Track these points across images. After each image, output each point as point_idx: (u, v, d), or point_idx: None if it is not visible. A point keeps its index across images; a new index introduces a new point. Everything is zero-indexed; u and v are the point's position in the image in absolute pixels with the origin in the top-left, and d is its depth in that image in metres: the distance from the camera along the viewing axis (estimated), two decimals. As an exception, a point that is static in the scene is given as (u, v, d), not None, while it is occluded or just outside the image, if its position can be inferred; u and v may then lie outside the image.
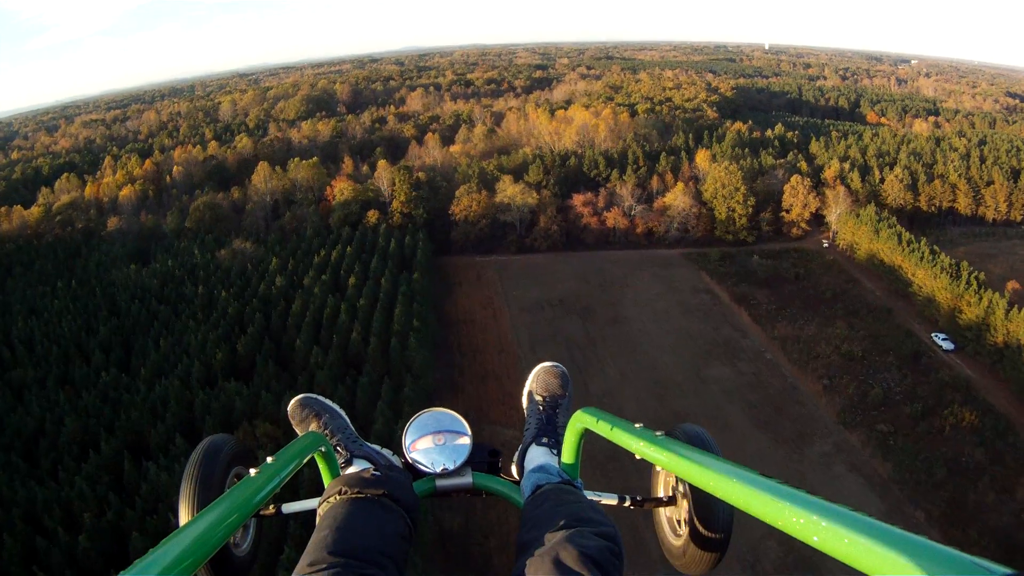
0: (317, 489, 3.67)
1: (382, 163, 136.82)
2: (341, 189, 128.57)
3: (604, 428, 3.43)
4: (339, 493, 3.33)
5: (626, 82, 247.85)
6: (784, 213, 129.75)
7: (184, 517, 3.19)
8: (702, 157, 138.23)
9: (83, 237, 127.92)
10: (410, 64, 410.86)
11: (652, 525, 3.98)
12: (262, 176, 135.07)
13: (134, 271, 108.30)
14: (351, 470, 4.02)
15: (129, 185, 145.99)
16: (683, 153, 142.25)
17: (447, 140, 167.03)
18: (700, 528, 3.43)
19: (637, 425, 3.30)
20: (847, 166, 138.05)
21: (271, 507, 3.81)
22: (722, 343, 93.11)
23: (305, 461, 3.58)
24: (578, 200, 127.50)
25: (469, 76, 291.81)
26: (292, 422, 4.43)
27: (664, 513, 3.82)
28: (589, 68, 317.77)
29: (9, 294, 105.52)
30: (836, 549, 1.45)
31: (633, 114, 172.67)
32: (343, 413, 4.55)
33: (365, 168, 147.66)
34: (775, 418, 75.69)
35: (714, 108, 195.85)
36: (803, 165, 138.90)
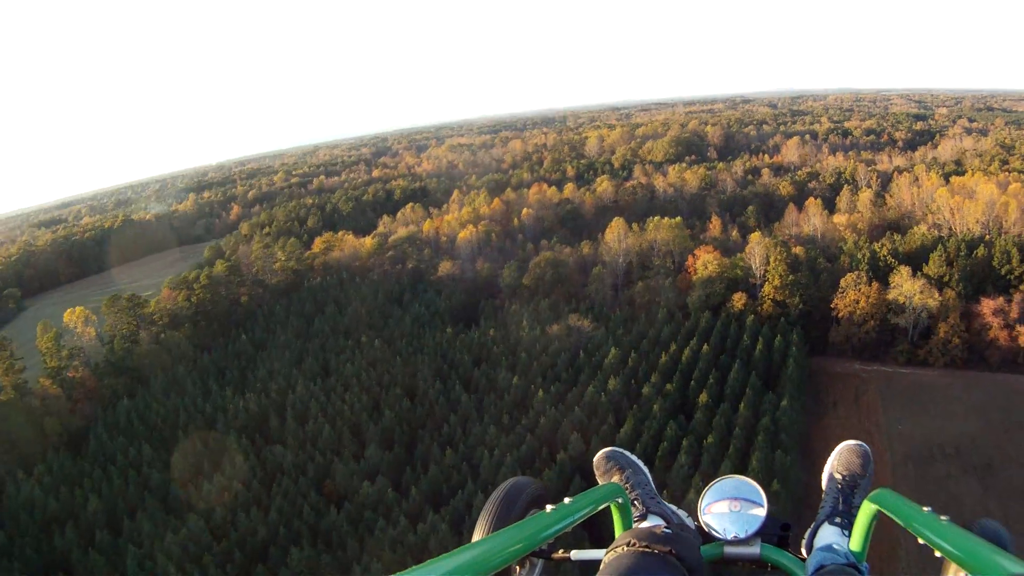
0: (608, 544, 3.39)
1: (755, 236, 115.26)
2: (705, 262, 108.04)
3: (899, 513, 3.24)
4: (627, 544, 3.16)
5: (1018, 141, 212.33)
6: None
7: (476, 539, 3.14)
8: None
9: (411, 279, 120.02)
10: (783, 107, 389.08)
11: None
12: (616, 233, 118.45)
13: (449, 337, 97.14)
14: (644, 524, 3.95)
15: (472, 225, 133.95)
16: None
17: (827, 202, 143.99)
18: None
19: (926, 509, 3.11)
20: None
21: (561, 551, 3.71)
22: None
23: (600, 508, 3.61)
24: (987, 307, 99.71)
25: (846, 124, 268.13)
26: (596, 473, 4.38)
27: None
28: (971, 121, 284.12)
29: (312, 339, 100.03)
30: None
31: None
32: (646, 470, 4.42)
33: (735, 233, 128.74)
34: None
35: None
36: None
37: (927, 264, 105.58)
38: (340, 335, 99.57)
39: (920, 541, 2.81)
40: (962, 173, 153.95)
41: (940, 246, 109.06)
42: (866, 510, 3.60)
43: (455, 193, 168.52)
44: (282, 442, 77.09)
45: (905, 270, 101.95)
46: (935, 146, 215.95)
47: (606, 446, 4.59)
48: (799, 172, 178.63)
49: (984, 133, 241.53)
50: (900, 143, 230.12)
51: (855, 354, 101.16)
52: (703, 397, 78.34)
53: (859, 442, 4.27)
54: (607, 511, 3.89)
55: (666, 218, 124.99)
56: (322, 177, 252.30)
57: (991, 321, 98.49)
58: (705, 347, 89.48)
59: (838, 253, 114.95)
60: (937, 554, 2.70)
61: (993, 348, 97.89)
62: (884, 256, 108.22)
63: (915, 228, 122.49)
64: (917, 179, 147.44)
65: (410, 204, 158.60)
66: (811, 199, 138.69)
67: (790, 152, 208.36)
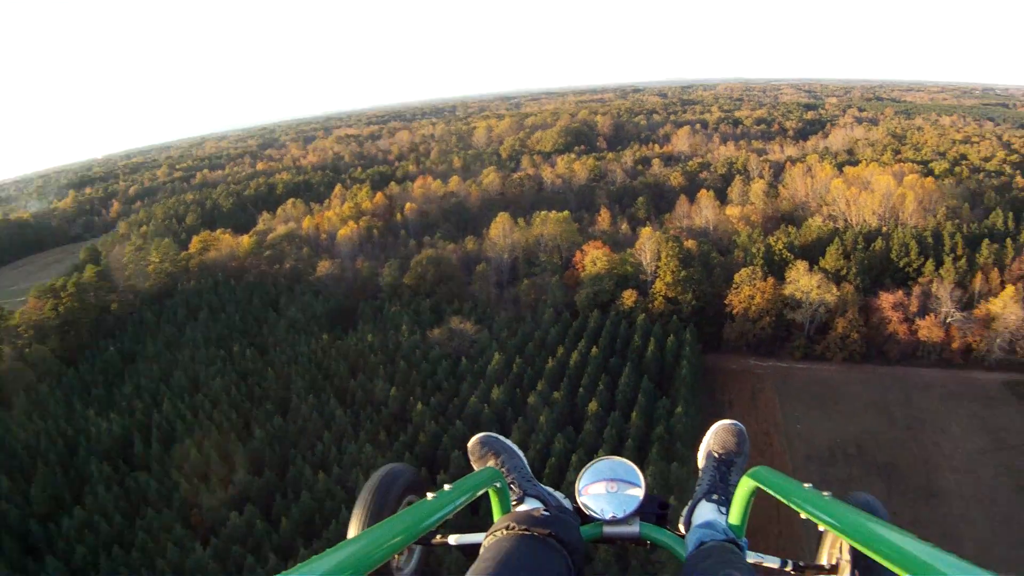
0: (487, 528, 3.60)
1: (646, 231, 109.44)
2: (594, 258, 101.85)
3: (775, 488, 3.37)
4: (507, 528, 3.28)
5: (908, 131, 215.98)
6: None
7: (353, 534, 3.13)
8: None
9: (288, 280, 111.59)
10: (673, 96, 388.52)
11: None
12: (501, 228, 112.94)
13: (326, 344, 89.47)
14: (522, 508, 3.96)
15: (352, 221, 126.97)
16: (1008, 241, 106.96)
17: (719, 193, 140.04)
18: None
19: (806, 486, 3.19)
20: None
21: (439, 536, 3.72)
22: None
23: (479, 494, 3.62)
24: (886, 300, 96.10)
25: (737, 114, 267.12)
26: (471, 458, 4.45)
27: None
28: (861, 110, 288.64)
29: (182, 349, 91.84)
30: None
31: (927, 174, 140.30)
32: (520, 454, 4.52)
33: (624, 226, 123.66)
34: None
35: (1016, 170, 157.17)
36: None
37: (824, 257, 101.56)
38: (212, 344, 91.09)
39: (803, 516, 2.89)
40: (856, 163, 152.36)
41: (837, 239, 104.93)
42: (744, 487, 3.67)
43: (337, 187, 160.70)
44: (147, 468, 68.68)
45: (802, 264, 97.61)
46: (826, 135, 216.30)
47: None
48: (690, 162, 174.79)
49: (875, 123, 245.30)
50: (791, 132, 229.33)
51: (750, 351, 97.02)
52: (593, 406, 72.35)
53: (734, 421, 4.39)
54: (485, 496, 3.83)
55: (553, 212, 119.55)
56: (206, 171, 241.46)
57: (890, 315, 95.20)
58: (594, 349, 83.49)
59: (731, 246, 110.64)
60: (821, 528, 2.87)
61: (892, 342, 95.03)
62: (779, 250, 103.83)
63: (810, 220, 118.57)
64: (810, 169, 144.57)
65: (291, 200, 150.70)
66: (703, 191, 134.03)
67: (681, 142, 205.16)
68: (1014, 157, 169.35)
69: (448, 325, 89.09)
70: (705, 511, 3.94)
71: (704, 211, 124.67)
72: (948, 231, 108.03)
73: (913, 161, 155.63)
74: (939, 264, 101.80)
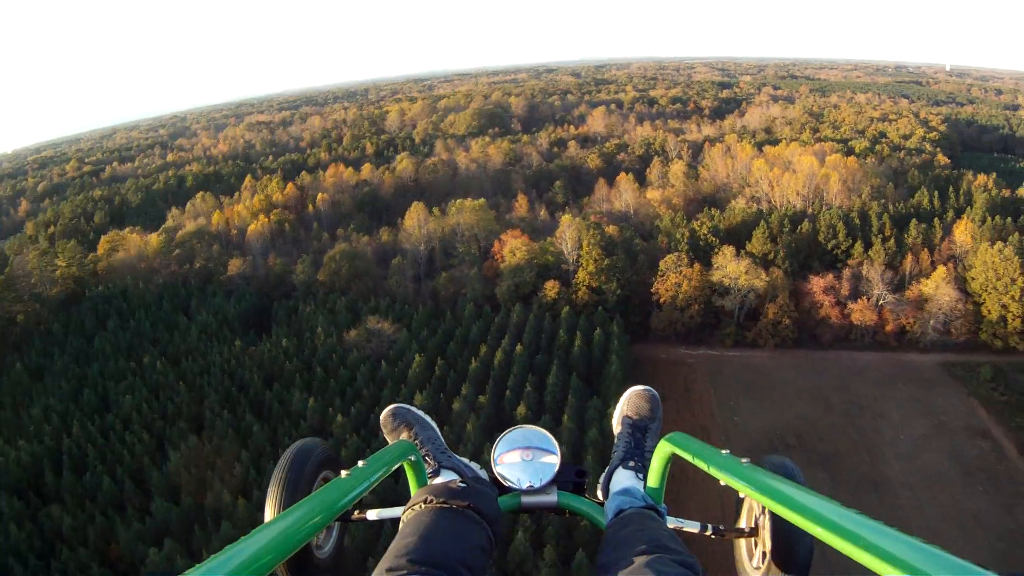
0: (406, 500, 3.61)
1: (566, 218, 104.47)
2: (513, 248, 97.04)
3: (691, 454, 3.45)
4: (424, 502, 3.30)
5: (826, 109, 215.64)
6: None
7: (269, 516, 3.22)
8: (962, 231, 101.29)
9: (200, 280, 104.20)
10: (587, 76, 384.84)
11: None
12: (416, 219, 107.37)
13: (239, 352, 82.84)
14: (438, 480, 4.00)
15: (263, 215, 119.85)
16: (936, 221, 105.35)
17: (638, 175, 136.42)
18: (780, 560, 3.28)
19: (724, 452, 3.29)
20: None
21: (356, 512, 3.80)
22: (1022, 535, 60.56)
23: (394, 468, 3.63)
24: (817, 284, 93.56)
25: (652, 93, 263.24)
26: (384, 431, 4.43)
27: (744, 544, 3.67)
28: (776, 88, 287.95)
29: (92, 363, 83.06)
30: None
31: (848, 153, 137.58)
32: (434, 425, 4.52)
33: (543, 212, 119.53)
34: None
35: (936, 148, 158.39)
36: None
37: (750, 242, 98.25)
38: (122, 356, 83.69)
39: (721, 482, 3.02)
40: (775, 142, 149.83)
41: (763, 222, 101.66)
42: (660, 453, 3.74)
43: (248, 179, 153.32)
44: (60, 501, 61.54)
45: (728, 250, 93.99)
46: (742, 114, 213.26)
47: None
48: (607, 144, 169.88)
49: (790, 100, 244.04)
50: (707, 111, 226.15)
51: (680, 339, 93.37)
52: (521, 409, 67.84)
53: (646, 387, 4.43)
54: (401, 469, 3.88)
55: (469, 200, 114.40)
56: (115, 164, 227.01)
57: (822, 299, 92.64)
58: (519, 347, 78.96)
59: (655, 232, 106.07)
60: (741, 495, 3.15)
61: (824, 327, 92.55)
62: (704, 235, 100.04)
63: (733, 203, 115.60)
64: (730, 149, 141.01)
65: (201, 193, 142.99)
66: (622, 174, 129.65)
67: (596, 123, 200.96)
68: (933, 135, 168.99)
69: (365, 325, 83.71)
70: (623, 478, 3.94)
71: (624, 195, 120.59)
72: (875, 212, 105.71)
73: (833, 140, 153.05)
74: (868, 245, 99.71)
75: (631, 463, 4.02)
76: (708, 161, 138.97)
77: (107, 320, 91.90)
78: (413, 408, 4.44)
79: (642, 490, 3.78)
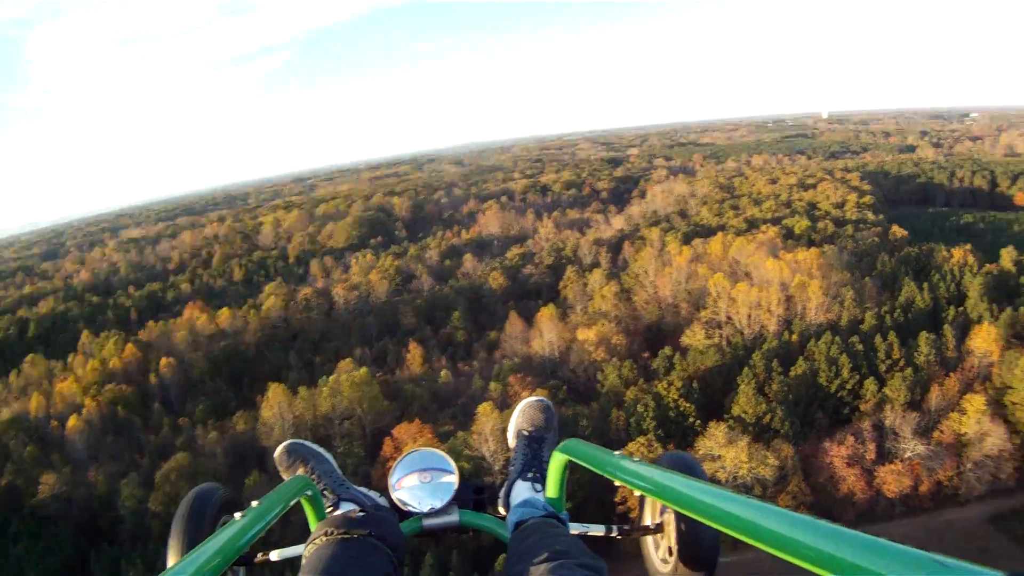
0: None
1: (483, 408, 68.91)
2: (412, 437, 66.56)
3: (587, 460, 3.39)
4: (325, 534, 3.18)
5: (734, 179, 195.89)
6: None
7: (171, 564, 3.03)
8: (983, 338, 76.38)
9: (6, 507, 69.30)
10: (471, 163, 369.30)
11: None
12: (277, 406, 77.17)
13: None
14: (338, 512, 3.87)
15: (90, 399, 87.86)
16: (947, 328, 79.86)
17: (551, 292, 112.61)
18: (687, 555, 3.27)
19: (618, 453, 3.24)
20: None
21: (260, 555, 3.62)
22: None
23: (292, 505, 3.49)
24: (837, 454, 65.48)
25: (542, 179, 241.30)
26: (279, 468, 4.25)
27: (651, 542, 3.65)
28: (668, 159, 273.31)
29: None
30: (808, 556, 1.48)
31: (787, 236, 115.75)
32: (330, 457, 4.36)
33: (444, 372, 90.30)
34: None
35: (879, 215, 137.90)
36: None
37: (737, 401, 69.09)
38: None
39: (617, 483, 2.96)
40: (707, 232, 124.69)
41: (746, 372, 73.22)
42: (557, 461, 3.70)
43: (84, 335, 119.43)
44: None
45: (720, 429, 63.69)
46: (643, 195, 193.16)
47: None
48: (508, 254, 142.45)
49: (690, 172, 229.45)
50: (605, 193, 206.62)
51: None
52: None
53: (540, 397, 4.38)
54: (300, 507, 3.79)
55: (346, 371, 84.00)
56: None
57: (844, 473, 65.08)
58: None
59: (597, 390, 77.22)
60: (637, 493, 2.95)
61: (846, 505, 65.24)
62: (674, 400, 69.54)
63: (690, 335, 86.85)
64: (661, 252, 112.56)
65: (31, 356, 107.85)
66: (543, 310, 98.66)
67: (490, 221, 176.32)
68: (867, 199, 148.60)
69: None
70: (521, 490, 3.89)
71: (546, 334, 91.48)
72: (868, 324, 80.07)
73: (767, 221, 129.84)
74: (880, 379, 72.73)
75: (529, 474, 3.93)
76: (636, 269, 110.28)
77: None
78: (308, 443, 4.22)
79: (542, 500, 3.70)
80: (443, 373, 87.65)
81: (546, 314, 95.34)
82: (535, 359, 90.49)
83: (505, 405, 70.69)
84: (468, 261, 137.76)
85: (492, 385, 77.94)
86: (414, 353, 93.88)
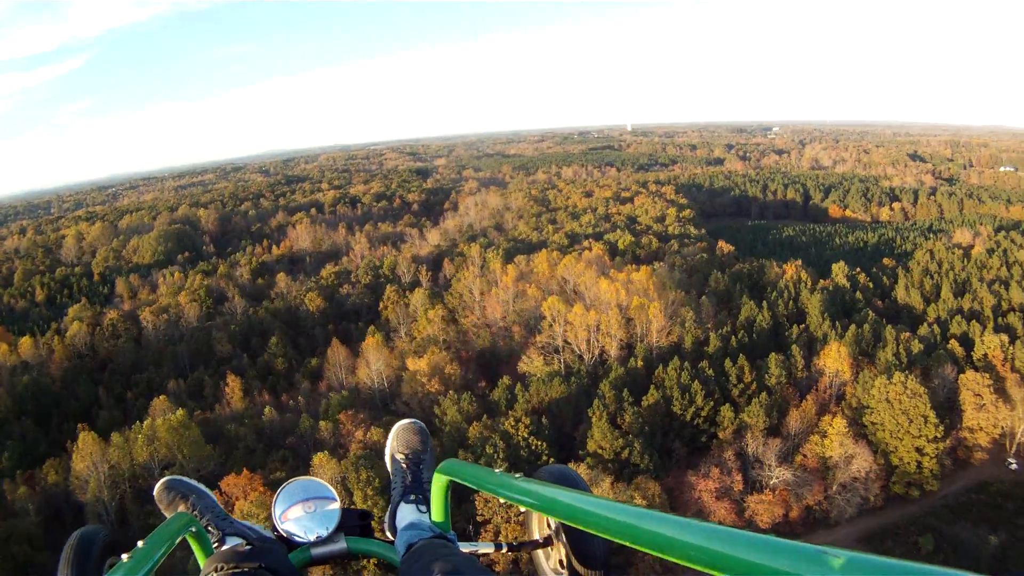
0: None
1: (319, 458, 61.76)
2: (241, 510, 56.44)
3: (469, 479, 3.42)
4: (216, 570, 3.20)
5: (548, 192, 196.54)
6: (967, 434, 75.35)
7: None
8: (833, 357, 75.95)
9: None
10: (277, 173, 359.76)
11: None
12: (89, 455, 67.92)
13: None
14: (225, 547, 3.80)
15: None
16: (795, 349, 78.84)
17: (370, 313, 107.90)
18: (579, 565, 3.28)
19: (498, 471, 3.28)
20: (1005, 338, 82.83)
21: None
22: None
23: (177, 543, 3.39)
24: (705, 488, 62.88)
25: (352, 191, 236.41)
26: (160, 505, 4.15)
27: (543, 555, 3.66)
28: (477, 171, 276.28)
29: None
30: (700, 558, 1.48)
31: (612, 252, 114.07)
32: (210, 493, 4.28)
33: (268, 408, 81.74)
34: None
35: (693, 226, 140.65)
36: (956, 347, 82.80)
37: (591, 435, 64.46)
38: None
39: (501, 501, 2.99)
40: (529, 248, 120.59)
41: (597, 403, 68.62)
42: (438, 482, 3.68)
43: None
44: None
45: (580, 470, 57.10)
46: (455, 206, 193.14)
47: None
48: (323, 272, 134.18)
49: (501, 183, 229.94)
50: (416, 206, 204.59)
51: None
52: None
53: (412, 420, 4.37)
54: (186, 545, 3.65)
55: (163, 414, 74.59)
56: None
57: (715, 507, 62.26)
58: None
59: (433, 428, 68.69)
60: (522, 508, 3.03)
61: None
62: (524, 438, 63.63)
63: (527, 362, 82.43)
64: (483, 269, 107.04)
65: None
66: (369, 339, 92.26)
67: (301, 237, 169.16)
68: (687, 212, 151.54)
69: None
70: (406, 513, 3.90)
71: (373, 364, 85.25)
72: (714, 346, 78.69)
73: (587, 236, 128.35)
74: (734, 404, 70.81)
75: (412, 497, 3.93)
76: (459, 288, 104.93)
77: None
78: (186, 479, 4.13)
79: (428, 521, 3.73)
80: (267, 410, 79.58)
81: (371, 343, 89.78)
82: (363, 391, 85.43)
83: (339, 447, 66.77)
84: (281, 280, 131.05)
85: (322, 424, 71.65)
86: (233, 386, 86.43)
